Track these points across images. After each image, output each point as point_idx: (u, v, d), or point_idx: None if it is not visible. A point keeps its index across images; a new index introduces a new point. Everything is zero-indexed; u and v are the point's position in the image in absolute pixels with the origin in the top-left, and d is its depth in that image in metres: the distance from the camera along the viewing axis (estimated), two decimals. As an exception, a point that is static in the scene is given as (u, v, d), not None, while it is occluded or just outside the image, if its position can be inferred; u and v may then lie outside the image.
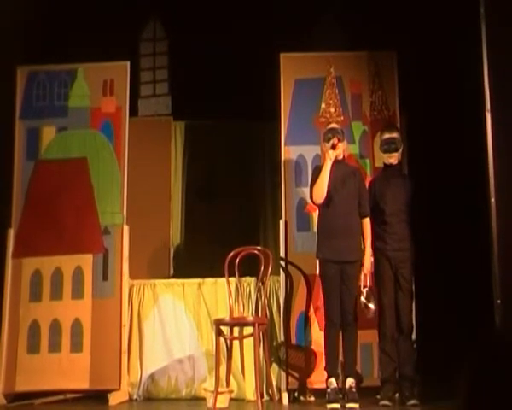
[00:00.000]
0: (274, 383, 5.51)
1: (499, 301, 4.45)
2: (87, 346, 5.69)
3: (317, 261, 5.25)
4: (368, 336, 5.40)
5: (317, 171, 5.22)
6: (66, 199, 5.97)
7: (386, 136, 5.28)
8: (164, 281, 6.15)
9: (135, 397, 5.80)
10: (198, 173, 7.36)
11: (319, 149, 5.86)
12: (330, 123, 5.40)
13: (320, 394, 5.29)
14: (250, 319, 5.51)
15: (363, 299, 4.99)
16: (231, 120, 7.14)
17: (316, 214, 5.46)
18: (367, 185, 5.38)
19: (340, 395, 4.98)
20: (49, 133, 6.14)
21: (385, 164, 5.35)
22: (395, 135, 5.27)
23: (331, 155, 5.08)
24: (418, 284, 5.13)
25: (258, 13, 6.85)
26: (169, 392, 5.81)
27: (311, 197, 5.20)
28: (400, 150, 5.31)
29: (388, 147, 5.26)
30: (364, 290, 5.01)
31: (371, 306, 4.99)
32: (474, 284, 5.28)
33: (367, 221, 5.15)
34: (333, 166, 5.10)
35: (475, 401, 1.54)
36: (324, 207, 5.15)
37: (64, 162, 6.08)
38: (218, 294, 5.87)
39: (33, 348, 5.74)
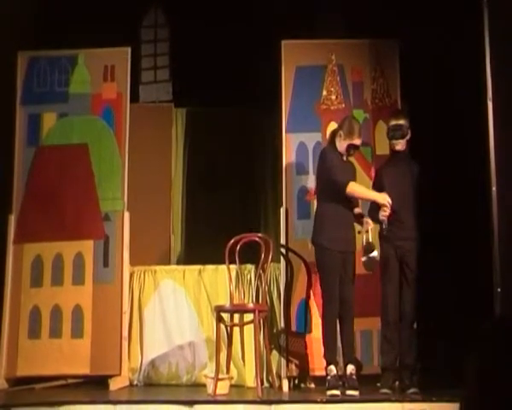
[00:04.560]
0: (274, 369, 5.54)
1: (499, 290, 4.47)
2: (88, 332, 5.71)
3: (314, 248, 5.24)
4: (368, 324, 5.43)
5: (337, 161, 5.12)
6: (66, 185, 5.98)
7: (393, 122, 5.25)
8: (164, 267, 6.17)
9: (135, 383, 5.83)
10: (199, 160, 7.35)
11: (320, 137, 5.87)
12: (352, 136, 5.16)
13: (320, 381, 5.31)
14: (250, 305, 5.53)
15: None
16: (232, 107, 7.11)
17: (315, 202, 5.46)
18: (373, 172, 5.41)
19: (340, 382, 5.00)
20: (49, 119, 6.14)
21: (392, 151, 5.34)
22: (402, 121, 5.24)
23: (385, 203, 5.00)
24: (419, 272, 5.13)
25: (260, 0, 6.82)
26: (169, 378, 5.84)
27: (347, 189, 5.03)
28: (407, 137, 5.28)
29: (394, 133, 5.23)
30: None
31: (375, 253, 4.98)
32: (474, 273, 5.29)
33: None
34: (340, 156, 5.17)
35: (484, 388, 1.54)
36: (325, 194, 5.16)
37: (65, 148, 6.08)
38: (218, 281, 5.88)
39: (34, 333, 5.76)
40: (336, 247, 5.04)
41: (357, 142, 5.16)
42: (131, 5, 7.09)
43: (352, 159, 5.37)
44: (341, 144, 5.17)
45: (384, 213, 5.00)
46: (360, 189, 5.13)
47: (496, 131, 4.59)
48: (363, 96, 6.01)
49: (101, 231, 5.88)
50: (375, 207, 5.13)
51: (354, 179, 5.24)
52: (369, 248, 4.97)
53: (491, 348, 1.57)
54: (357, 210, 5.22)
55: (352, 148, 5.17)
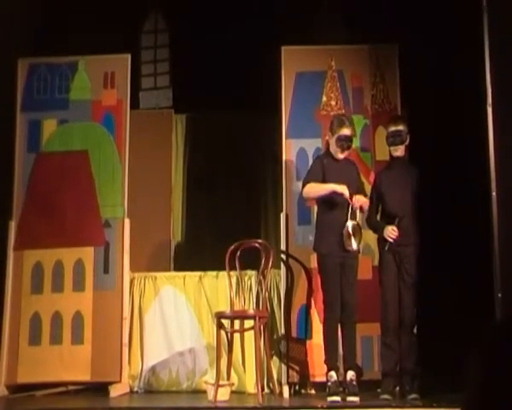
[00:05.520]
0: (275, 376, 5.53)
1: (500, 295, 4.47)
2: (88, 338, 5.71)
3: (316, 255, 5.26)
4: (368, 330, 5.42)
5: (316, 166, 5.19)
6: (67, 192, 5.98)
7: (392, 128, 5.25)
8: (165, 274, 6.17)
9: (136, 389, 5.82)
10: (199, 166, 7.35)
11: (320, 143, 5.86)
12: (342, 126, 5.18)
13: (321, 387, 5.31)
14: (251, 312, 5.53)
15: (349, 229, 4.94)
16: (232, 113, 7.12)
17: (316, 207, 5.46)
18: (373, 178, 5.44)
19: (341, 388, 5.00)
20: (50, 126, 6.15)
21: (391, 156, 5.34)
22: (401, 127, 5.24)
23: (343, 191, 4.99)
24: (419, 277, 5.13)
25: (260, 6, 6.83)
26: (170, 385, 5.83)
27: (303, 192, 5.18)
28: (406, 143, 5.28)
29: (394, 139, 5.24)
30: (351, 223, 4.97)
31: (353, 243, 4.96)
32: (474, 278, 5.29)
33: None
34: (332, 158, 5.16)
35: (486, 394, 1.53)
36: (324, 202, 5.16)
37: (65, 155, 6.08)
38: (218, 287, 5.88)
39: (35, 339, 5.75)
40: (336, 252, 5.04)
41: (347, 132, 5.13)
42: (131, 11, 7.10)
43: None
44: (332, 143, 5.16)
45: (391, 236, 5.01)
46: (313, 187, 5.07)
47: (496, 136, 4.59)
48: (362, 102, 6.01)
49: (101, 238, 5.88)
50: (383, 237, 5.13)
51: (354, 179, 5.19)
52: (349, 240, 4.95)
53: (494, 352, 1.56)
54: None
55: (342, 140, 5.12)
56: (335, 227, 5.06)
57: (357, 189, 5.17)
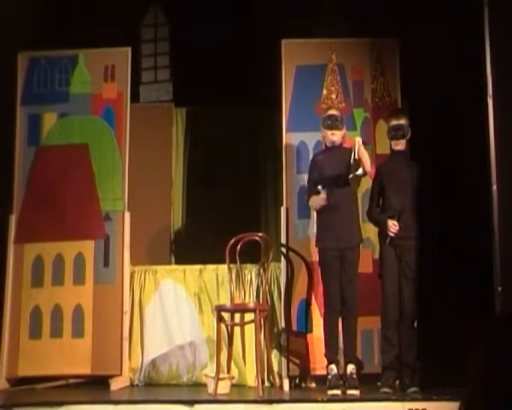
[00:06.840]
0: (275, 369, 5.54)
1: (500, 289, 4.47)
2: (89, 331, 5.71)
3: (317, 250, 5.27)
4: (369, 323, 5.42)
5: (312, 174, 5.28)
6: (67, 185, 5.98)
7: (394, 122, 5.25)
8: (165, 267, 6.18)
9: (136, 383, 5.82)
10: (199, 160, 7.34)
11: (320, 136, 5.85)
12: (331, 108, 5.37)
13: (321, 380, 5.31)
14: (251, 305, 5.53)
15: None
16: (233, 107, 7.11)
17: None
18: (373, 171, 5.40)
19: (341, 382, 5.00)
20: (50, 119, 6.14)
21: (392, 150, 5.34)
22: (402, 121, 5.24)
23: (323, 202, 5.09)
24: (419, 270, 5.13)
25: (260, -1, 6.83)
26: (170, 378, 5.83)
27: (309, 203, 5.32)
28: (407, 137, 5.27)
29: (395, 133, 5.23)
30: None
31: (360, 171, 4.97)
32: (475, 272, 5.29)
33: None
34: (327, 151, 5.25)
35: (487, 389, 1.53)
36: None
37: (65, 148, 6.08)
38: (219, 280, 5.88)
39: (35, 333, 5.76)
40: (334, 245, 5.05)
41: (332, 112, 5.23)
42: (131, 5, 7.09)
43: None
44: (322, 129, 5.25)
45: (392, 231, 5.02)
46: (313, 201, 5.21)
47: (496, 129, 4.59)
48: (363, 96, 6.00)
49: (101, 231, 5.88)
50: (383, 231, 5.13)
51: (333, 168, 5.18)
52: (355, 165, 4.93)
53: (494, 348, 1.56)
54: None
55: (327, 119, 5.18)
56: (335, 223, 5.07)
57: None
